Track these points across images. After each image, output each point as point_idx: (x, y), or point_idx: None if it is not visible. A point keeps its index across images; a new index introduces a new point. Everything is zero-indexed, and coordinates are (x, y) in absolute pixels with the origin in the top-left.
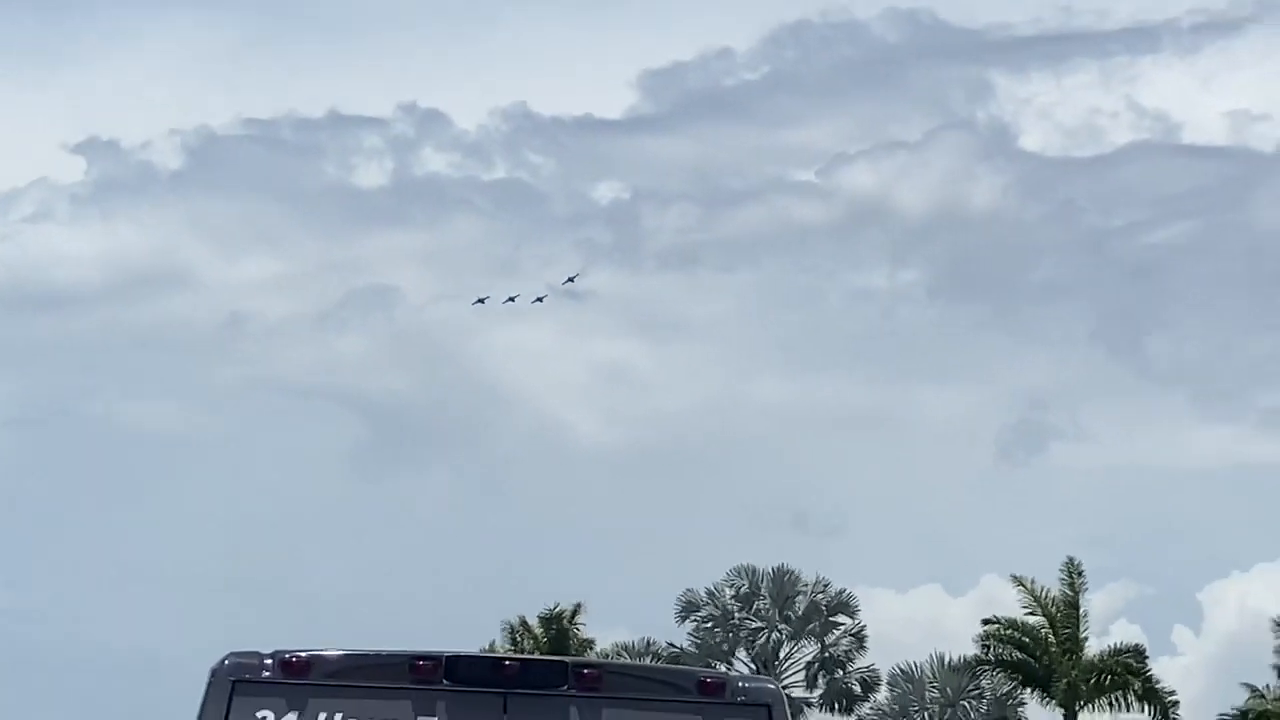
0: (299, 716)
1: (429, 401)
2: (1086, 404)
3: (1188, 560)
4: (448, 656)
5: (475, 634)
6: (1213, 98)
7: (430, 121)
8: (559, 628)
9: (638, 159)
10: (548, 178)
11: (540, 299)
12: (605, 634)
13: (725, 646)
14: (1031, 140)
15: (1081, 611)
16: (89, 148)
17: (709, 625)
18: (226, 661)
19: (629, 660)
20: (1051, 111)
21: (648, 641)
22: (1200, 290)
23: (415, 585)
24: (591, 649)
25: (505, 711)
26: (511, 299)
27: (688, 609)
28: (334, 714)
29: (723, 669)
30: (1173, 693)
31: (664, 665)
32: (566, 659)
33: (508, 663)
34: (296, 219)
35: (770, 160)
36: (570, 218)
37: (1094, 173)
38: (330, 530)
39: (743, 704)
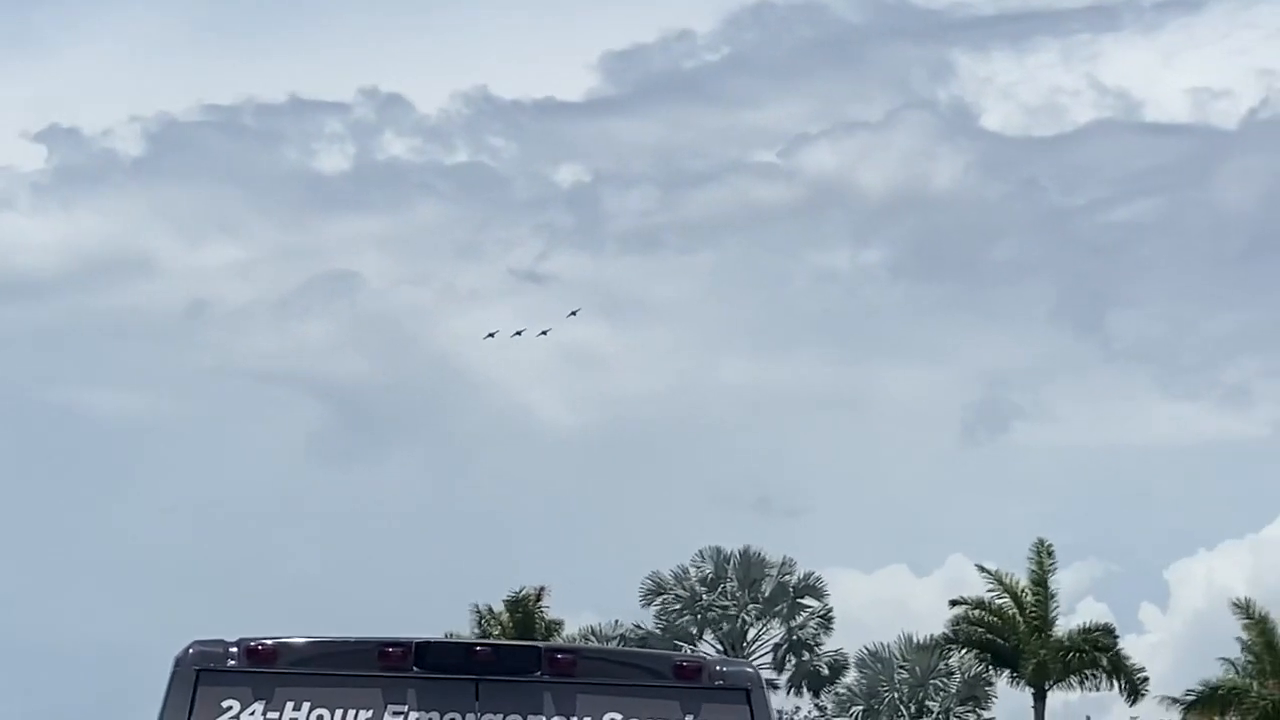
0: (265, 706)
1: (392, 386)
2: (1050, 383)
3: (1154, 538)
4: (417, 643)
5: (442, 619)
6: (1174, 75)
7: (391, 106)
8: (525, 611)
9: (599, 141)
10: (509, 161)
11: (545, 332)
12: (572, 617)
13: (692, 629)
14: (993, 119)
15: (1051, 591)
16: (50, 136)
17: (676, 607)
18: (190, 650)
19: (601, 645)
20: (1013, 90)
21: (615, 623)
22: (1163, 268)
23: (380, 571)
24: (559, 632)
25: (477, 698)
26: (518, 333)
27: (654, 591)
28: (301, 703)
29: (687, 651)
30: (1142, 669)
31: (640, 649)
32: (539, 644)
33: (479, 648)
34: (258, 205)
35: (732, 141)
36: (532, 201)
37: (1056, 151)
38: (295, 516)
39: (720, 688)
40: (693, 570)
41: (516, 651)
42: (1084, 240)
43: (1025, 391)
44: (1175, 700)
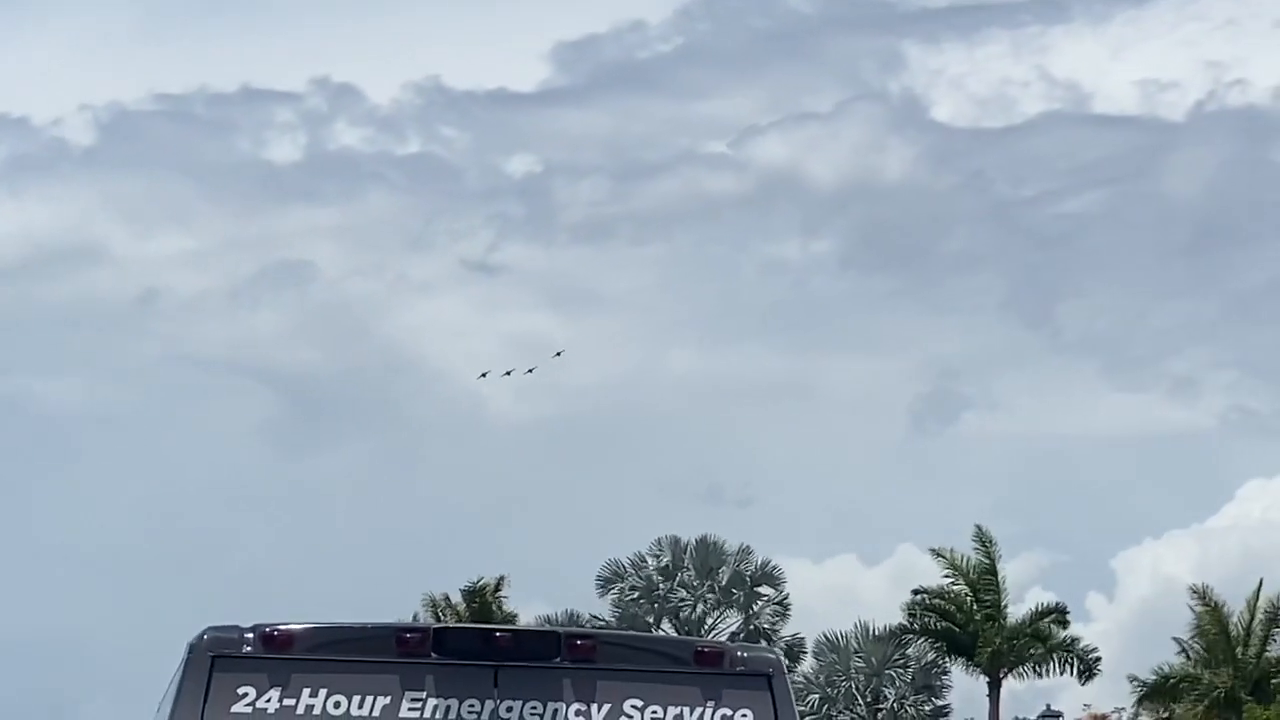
0: (282, 693)
1: (344, 376)
2: (998, 373)
3: (1101, 528)
4: (435, 629)
5: (394, 609)
6: (1123, 67)
7: (343, 96)
8: (481, 601)
9: (551, 132)
10: (461, 151)
11: (530, 370)
12: (524, 607)
13: (649, 618)
14: (943, 111)
15: (1000, 577)
16: None
17: (633, 596)
18: (205, 636)
19: (623, 630)
20: (963, 82)
21: (571, 614)
22: (1111, 259)
23: (334, 561)
24: (514, 622)
25: (496, 685)
26: (508, 372)
27: (611, 580)
28: (318, 689)
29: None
30: (1094, 650)
31: (660, 635)
32: (559, 629)
33: (498, 634)
34: (209, 194)
35: (683, 132)
36: (484, 192)
37: (1005, 143)
38: (247, 507)
39: (741, 674)
40: (650, 559)
41: (536, 637)
42: (1033, 232)
43: (974, 382)
44: (1138, 680)
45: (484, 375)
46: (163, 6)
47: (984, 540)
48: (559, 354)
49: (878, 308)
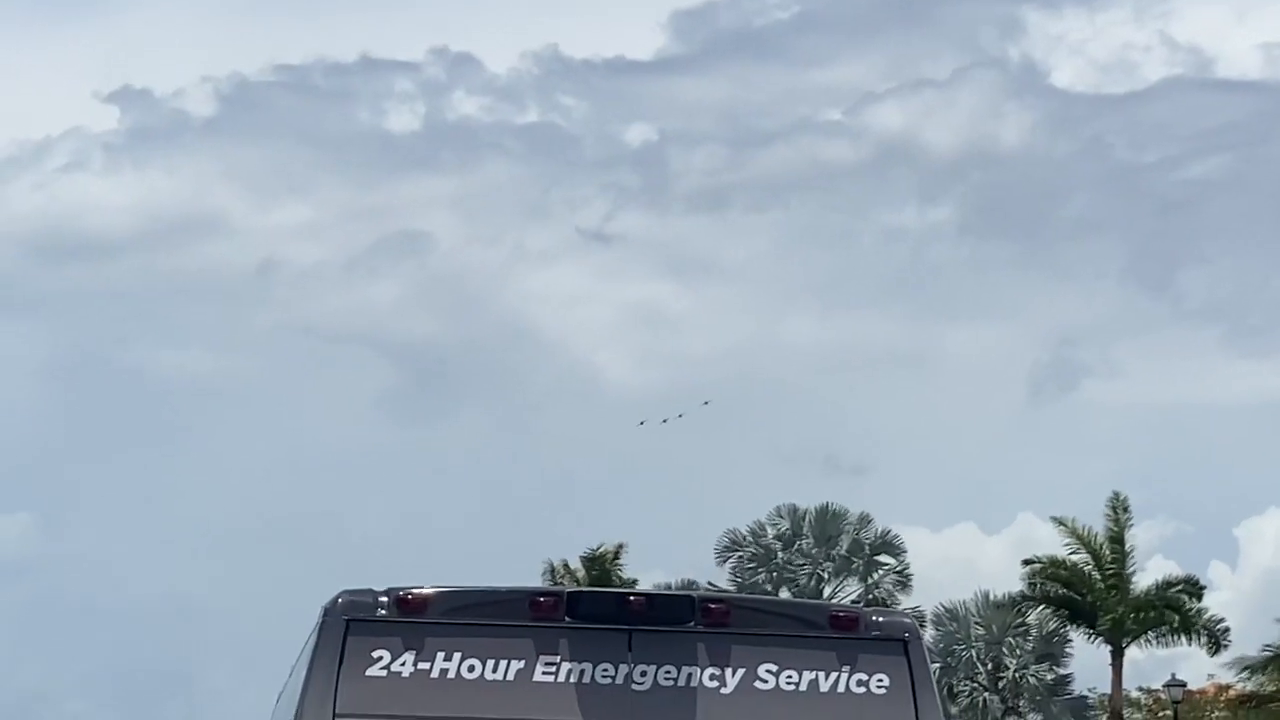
0: (416, 656)
1: (462, 346)
2: (1118, 341)
3: (1223, 496)
4: (569, 593)
5: (512, 578)
6: (1246, 31)
7: (461, 65)
8: (601, 569)
9: (668, 100)
10: (579, 120)
11: (680, 415)
12: (645, 575)
13: (768, 586)
14: (1063, 77)
15: (1128, 547)
16: (122, 97)
17: (751, 565)
18: (340, 599)
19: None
20: (1084, 48)
21: (690, 582)
22: (1232, 226)
23: (451, 529)
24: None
25: (630, 649)
26: (665, 420)
27: (730, 548)
28: (452, 654)
29: None
30: (1222, 620)
31: (794, 599)
32: (693, 593)
33: (632, 598)
34: (328, 164)
35: (800, 100)
36: (601, 160)
37: (1126, 109)
38: (365, 476)
39: (877, 639)
40: (769, 527)
41: (670, 601)
42: (1153, 197)
43: (1094, 350)
44: (1247, 666)
45: (642, 423)
46: None
47: (1117, 507)
48: (706, 403)
49: (996, 275)
